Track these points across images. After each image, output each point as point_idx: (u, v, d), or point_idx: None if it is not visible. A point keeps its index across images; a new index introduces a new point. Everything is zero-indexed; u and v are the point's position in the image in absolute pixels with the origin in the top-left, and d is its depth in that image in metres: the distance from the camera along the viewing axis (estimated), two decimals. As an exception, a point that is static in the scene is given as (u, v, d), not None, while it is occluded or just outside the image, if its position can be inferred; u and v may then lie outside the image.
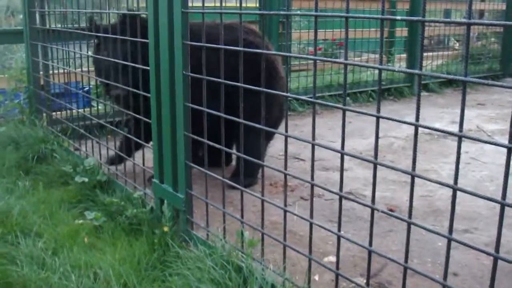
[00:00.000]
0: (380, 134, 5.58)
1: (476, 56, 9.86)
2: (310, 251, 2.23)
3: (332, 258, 2.94)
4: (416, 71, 1.61)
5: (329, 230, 2.20)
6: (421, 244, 3.15)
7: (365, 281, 2.70)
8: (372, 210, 1.87)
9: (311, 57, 1.94)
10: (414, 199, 3.84)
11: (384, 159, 4.62)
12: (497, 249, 1.51)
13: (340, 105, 1.95)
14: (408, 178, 4.10)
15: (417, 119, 1.63)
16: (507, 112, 7.01)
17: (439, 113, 6.81)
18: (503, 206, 1.46)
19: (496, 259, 1.52)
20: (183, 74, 2.74)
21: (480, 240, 3.25)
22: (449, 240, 1.64)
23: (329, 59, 2.39)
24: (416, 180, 3.89)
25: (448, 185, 1.60)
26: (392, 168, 1.82)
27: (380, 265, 2.89)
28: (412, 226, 2.94)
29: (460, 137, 1.52)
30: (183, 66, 2.74)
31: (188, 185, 2.89)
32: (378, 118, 1.75)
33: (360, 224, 3.41)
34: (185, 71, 2.75)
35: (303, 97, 2.15)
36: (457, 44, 12.38)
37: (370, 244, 1.92)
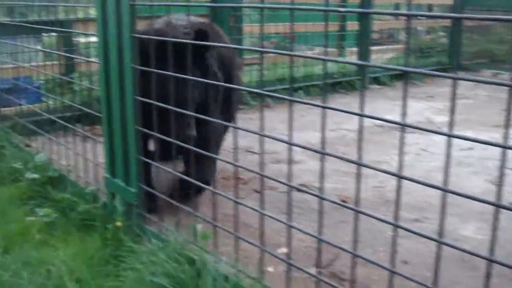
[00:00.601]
0: (333, 127, 5.69)
1: (425, 49, 10.05)
2: (263, 243, 2.24)
3: (286, 250, 2.97)
4: (361, 62, 1.64)
5: (279, 221, 2.22)
6: (373, 234, 3.21)
7: (318, 271, 2.74)
8: (321, 199, 1.89)
9: (257, 48, 1.94)
10: (366, 190, 3.95)
11: (337, 151, 4.67)
12: (440, 235, 1.55)
13: (287, 97, 1.96)
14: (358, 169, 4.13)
15: (362, 109, 1.66)
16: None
17: (391, 105, 6.91)
18: (444, 192, 1.50)
19: (439, 244, 1.56)
20: (131, 67, 2.72)
21: (430, 228, 3.32)
22: (396, 228, 1.67)
23: (275, 50, 2.40)
24: (368, 171, 3.95)
25: (393, 174, 1.63)
26: (339, 157, 1.85)
27: (333, 256, 2.93)
28: (364, 217, 2.99)
29: (403, 126, 1.56)
30: (131, 58, 2.72)
31: (140, 179, 2.87)
32: (324, 108, 1.78)
33: (313, 215, 3.44)
34: (133, 64, 2.72)
35: (251, 89, 2.15)
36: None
37: (320, 233, 1.94)
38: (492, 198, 1.48)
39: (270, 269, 2.77)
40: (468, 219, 3.46)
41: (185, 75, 2.48)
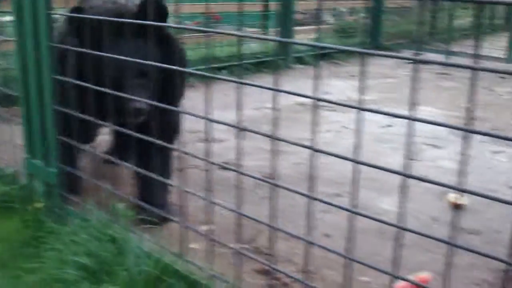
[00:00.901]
0: (257, 105, 5.71)
1: (348, 30, 10.25)
2: (185, 220, 2.27)
3: (207, 227, 3.00)
4: (279, 39, 1.67)
5: (200, 197, 2.25)
6: (295, 209, 3.28)
7: (241, 246, 2.79)
8: (239, 173, 1.92)
9: (174, 25, 1.95)
10: (287, 167, 4.02)
11: (260, 129, 4.72)
12: (353, 205, 1.61)
13: (206, 74, 1.98)
14: (281, 147, 4.24)
15: (276, 84, 1.70)
16: (376, 83, 7.37)
17: (313, 85, 7.02)
18: (356, 163, 1.56)
19: (353, 214, 1.62)
20: (48, 46, 2.67)
21: (349, 202, 3.42)
22: (310, 200, 1.73)
23: (197, 27, 2.40)
24: (290, 148, 4.03)
25: (306, 147, 1.68)
26: (256, 132, 1.88)
27: (256, 231, 2.98)
28: (286, 193, 3.06)
29: (315, 99, 1.61)
30: (48, 37, 2.66)
31: (60, 160, 2.83)
32: (239, 83, 1.80)
33: (235, 192, 3.49)
34: (50, 43, 2.67)
35: (174, 67, 2.14)
36: (331, 19, 12.79)
37: (239, 207, 1.98)
38: (408, 172, 1.55)
39: (194, 245, 2.79)
40: (386, 193, 3.59)
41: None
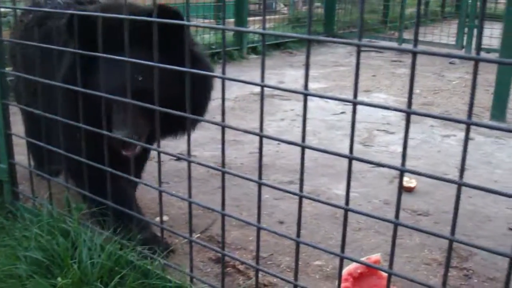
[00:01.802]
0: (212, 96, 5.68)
1: (302, 19, 10.30)
2: (139, 211, 2.27)
3: (165, 218, 3.00)
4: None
5: (151, 187, 2.25)
6: (250, 198, 3.31)
7: (196, 236, 2.80)
8: (189, 163, 1.93)
9: (122, 16, 1.93)
10: (243, 156, 4.03)
11: (214, 119, 4.72)
12: (300, 189, 1.63)
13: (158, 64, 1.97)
14: (237, 137, 4.29)
15: (224, 72, 1.71)
16: (329, 71, 7.44)
17: (268, 74, 7.02)
18: (303, 148, 1.58)
19: (300, 198, 1.65)
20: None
21: (305, 189, 3.45)
22: (259, 185, 1.75)
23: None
24: (246, 138, 4.06)
25: (253, 133, 1.70)
26: (206, 121, 1.88)
27: (211, 220, 3.00)
28: (241, 182, 3.09)
29: (262, 86, 1.62)
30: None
31: (11, 156, 2.79)
32: (189, 72, 1.81)
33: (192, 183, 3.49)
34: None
35: (130, 59, 2.11)
36: (285, 8, 12.83)
37: (190, 196, 1.99)
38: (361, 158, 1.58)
39: (149, 237, 2.80)
40: (339, 179, 3.64)
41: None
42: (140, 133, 2.26)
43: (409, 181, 3.51)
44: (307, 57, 1.48)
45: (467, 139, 1.27)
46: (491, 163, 4.12)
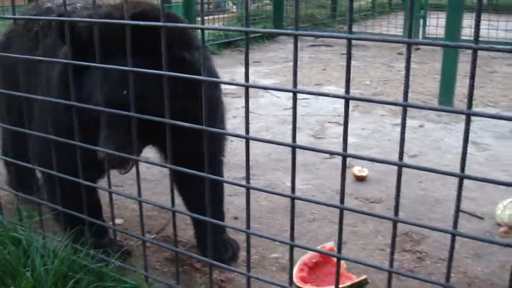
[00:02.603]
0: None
1: (252, 17, 10.32)
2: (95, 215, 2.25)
3: (119, 220, 2.99)
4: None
5: (102, 188, 2.24)
6: (205, 196, 3.30)
7: (152, 236, 2.79)
8: (136, 162, 1.92)
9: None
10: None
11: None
12: (247, 181, 1.64)
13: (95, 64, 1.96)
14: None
15: (166, 71, 1.70)
16: (279, 67, 7.49)
17: (220, 73, 7.06)
18: (247, 140, 1.59)
19: (248, 190, 1.66)
20: None
21: (259, 183, 3.49)
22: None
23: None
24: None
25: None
26: (151, 119, 1.87)
27: (166, 220, 2.99)
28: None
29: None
30: None
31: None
32: (131, 72, 1.80)
33: (143, 185, 3.48)
34: None
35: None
36: (234, 7, 12.84)
37: (139, 195, 1.98)
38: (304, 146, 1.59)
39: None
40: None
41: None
42: (129, 149, 2.02)
43: (361, 170, 3.57)
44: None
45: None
46: (440, 148, 4.21)
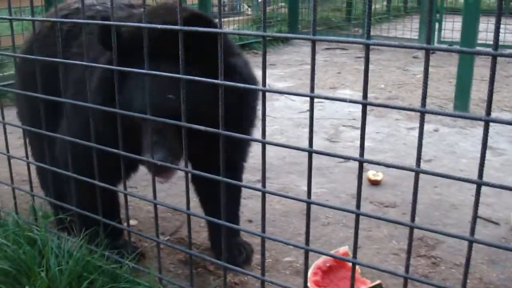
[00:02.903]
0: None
1: (267, 20, 10.32)
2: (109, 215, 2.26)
3: (134, 222, 3.00)
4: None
5: (117, 190, 2.25)
6: (219, 198, 3.31)
7: (166, 238, 2.80)
8: (151, 164, 1.92)
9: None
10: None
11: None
12: (263, 185, 1.64)
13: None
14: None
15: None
16: (294, 70, 7.48)
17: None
18: (263, 144, 1.59)
19: (264, 194, 1.65)
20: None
21: (273, 187, 3.49)
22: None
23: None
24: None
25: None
26: (164, 121, 1.87)
27: (180, 222, 3.00)
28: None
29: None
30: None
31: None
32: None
33: (158, 186, 3.48)
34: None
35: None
36: (249, 10, 12.86)
37: (155, 197, 1.99)
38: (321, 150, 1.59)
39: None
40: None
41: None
42: (176, 156, 2.02)
43: (376, 174, 3.55)
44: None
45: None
46: (455, 152, 4.19)
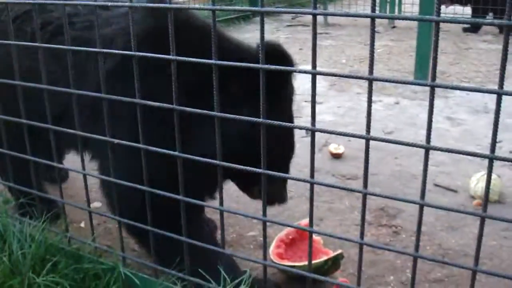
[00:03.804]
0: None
1: (226, -2, 10.32)
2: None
3: (97, 204, 2.99)
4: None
5: (75, 171, 2.24)
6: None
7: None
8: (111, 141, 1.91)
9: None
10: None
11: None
12: (219, 159, 1.65)
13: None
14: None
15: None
16: (257, 47, 7.45)
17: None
18: (217, 118, 1.59)
19: (220, 167, 1.66)
20: None
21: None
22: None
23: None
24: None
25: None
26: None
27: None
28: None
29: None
30: None
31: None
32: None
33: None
34: None
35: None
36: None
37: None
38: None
39: (82, 224, 2.78)
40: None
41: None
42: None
43: (337, 147, 3.60)
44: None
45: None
46: (416, 124, 4.26)
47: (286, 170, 2.17)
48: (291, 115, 2.15)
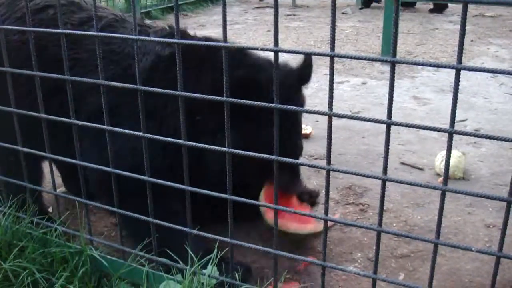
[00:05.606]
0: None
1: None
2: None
3: (63, 188, 2.97)
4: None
5: (41, 155, 2.22)
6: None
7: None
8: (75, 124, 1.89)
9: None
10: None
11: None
12: (184, 138, 1.65)
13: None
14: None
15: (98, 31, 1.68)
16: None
17: (164, 38, 7.01)
18: (180, 96, 1.59)
19: (185, 147, 1.66)
20: None
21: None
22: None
23: None
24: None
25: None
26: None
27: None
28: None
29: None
30: None
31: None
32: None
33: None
34: None
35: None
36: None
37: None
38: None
39: (50, 209, 2.76)
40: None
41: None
42: None
43: (304, 128, 3.61)
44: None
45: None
46: (383, 104, 4.29)
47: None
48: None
